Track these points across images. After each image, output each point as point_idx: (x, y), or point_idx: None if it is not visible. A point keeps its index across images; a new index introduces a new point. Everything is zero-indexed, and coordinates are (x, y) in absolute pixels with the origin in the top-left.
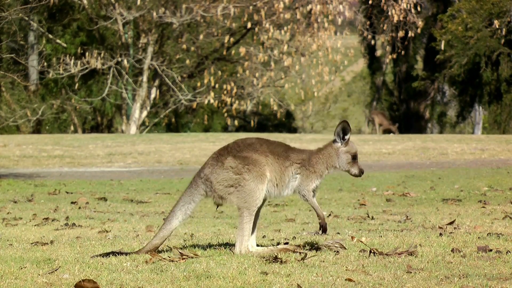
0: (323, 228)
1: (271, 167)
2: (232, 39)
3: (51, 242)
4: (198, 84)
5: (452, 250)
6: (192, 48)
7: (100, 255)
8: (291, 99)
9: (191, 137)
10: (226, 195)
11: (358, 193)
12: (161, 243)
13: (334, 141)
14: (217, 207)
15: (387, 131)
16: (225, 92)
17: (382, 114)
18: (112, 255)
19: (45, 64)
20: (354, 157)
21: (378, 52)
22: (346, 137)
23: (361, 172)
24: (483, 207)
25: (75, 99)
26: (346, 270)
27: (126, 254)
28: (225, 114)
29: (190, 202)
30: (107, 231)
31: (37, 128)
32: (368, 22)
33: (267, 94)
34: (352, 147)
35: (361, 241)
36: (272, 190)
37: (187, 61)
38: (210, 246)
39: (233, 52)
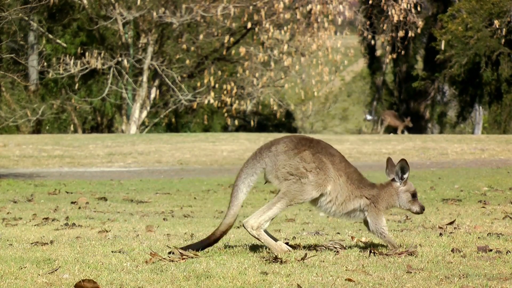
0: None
1: (338, 187)
2: (232, 39)
3: (51, 242)
4: (198, 84)
5: (452, 250)
6: (192, 48)
7: (184, 248)
8: (291, 99)
9: (191, 137)
10: (282, 180)
11: None
12: (234, 220)
13: (393, 180)
14: (266, 182)
15: (405, 129)
16: (225, 92)
17: (393, 114)
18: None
19: (45, 64)
20: (414, 195)
21: (378, 52)
22: (405, 176)
23: (422, 210)
24: (483, 207)
25: (75, 99)
26: (346, 270)
27: (198, 248)
28: (225, 114)
29: (252, 175)
30: (107, 231)
31: (37, 128)
32: (368, 22)
33: (267, 94)
34: (411, 186)
35: (361, 241)
36: (326, 206)
37: (187, 61)
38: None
39: (233, 52)
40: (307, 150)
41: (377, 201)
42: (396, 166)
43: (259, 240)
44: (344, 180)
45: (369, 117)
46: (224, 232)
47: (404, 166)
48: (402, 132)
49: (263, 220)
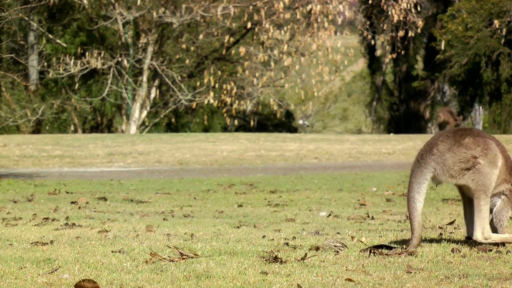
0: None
1: (502, 166)
2: (232, 39)
3: (51, 242)
4: (198, 84)
5: (452, 250)
6: (192, 48)
7: (374, 247)
8: (291, 99)
9: (191, 137)
10: (460, 176)
11: (358, 193)
12: (421, 230)
13: None
14: (436, 185)
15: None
16: (225, 92)
17: (448, 111)
18: (384, 248)
19: (45, 64)
20: None
21: (378, 52)
22: None
23: None
24: None
25: (75, 99)
26: (346, 270)
27: (390, 248)
28: (225, 114)
29: (423, 182)
30: (107, 231)
31: (37, 128)
32: (368, 22)
33: (267, 94)
34: None
35: (361, 241)
36: None
37: (187, 61)
38: (210, 246)
39: (233, 52)
40: (466, 138)
41: None
42: None
43: (499, 244)
44: (503, 161)
45: (302, 122)
46: (418, 245)
47: None
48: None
49: (486, 225)
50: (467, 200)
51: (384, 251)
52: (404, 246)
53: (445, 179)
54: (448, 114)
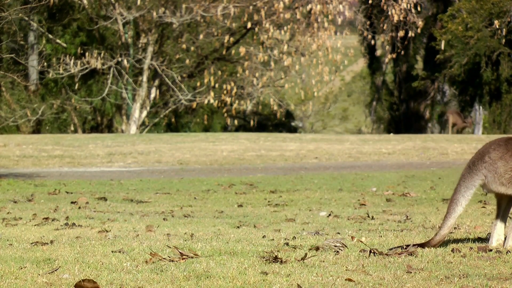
0: None
1: None
2: (232, 39)
3: (51, 242)
4: (198, 84)
5: (452, 250)
6: (192, 48)
7: (396, 247)
8: (291, 99)
9: (191, 137)
10: (510, 184)
11: (358, 193)
12: (449, 232)
13: None
14: (487, 193)
15: (461, 130)
16: (225, 92)
17: (457, 113)
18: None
19: (45, 64)
20: None
21: (378, 52)
22: None
23: None
24: (483, 207)
25: (75, 99)
26: (346, 270)
27: (420, 245)
28: (225, 114)
29: (471, 188)
30: (107, 231)
31: (37, 128)
32: (368, 22)
33: (267, 94)
34: None
35: (361, 241)
36: None
37: (187, 61)
38: (210, 246)
39: (233, 52)
40: None
41: None
42: None
43: None
44: None
45: (301, 124)
46: (439, 243)
47: None
48: (461, 130)
49: None
50: (503, 209)
51: (385, 251)
52: (428, 239)
53: (495, 187)
54: (456, 116)
